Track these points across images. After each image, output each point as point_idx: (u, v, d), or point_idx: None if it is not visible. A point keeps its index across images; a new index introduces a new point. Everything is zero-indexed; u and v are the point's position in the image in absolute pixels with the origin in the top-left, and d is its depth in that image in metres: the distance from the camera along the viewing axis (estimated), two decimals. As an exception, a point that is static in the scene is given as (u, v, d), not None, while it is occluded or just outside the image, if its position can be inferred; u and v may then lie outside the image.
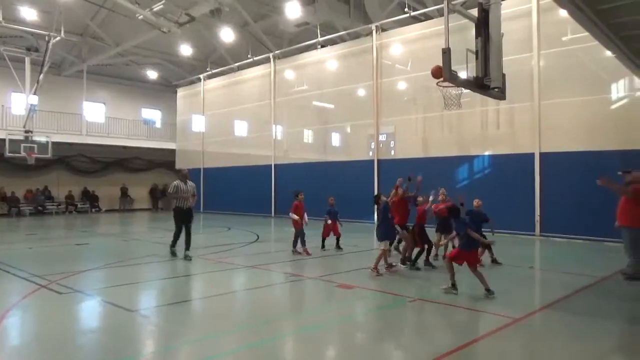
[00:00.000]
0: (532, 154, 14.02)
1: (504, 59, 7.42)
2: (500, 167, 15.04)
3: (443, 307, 6.14)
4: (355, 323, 5.84)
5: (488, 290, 6.58)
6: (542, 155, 13.86)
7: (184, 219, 10.09)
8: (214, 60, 26.97)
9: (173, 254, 10.11)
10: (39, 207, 25.55)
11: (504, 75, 7.41)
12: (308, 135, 22.71)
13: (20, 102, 24.42)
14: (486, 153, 15.56)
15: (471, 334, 5.22)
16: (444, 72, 6.80)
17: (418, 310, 6.14)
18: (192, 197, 10.24)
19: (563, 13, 10.90)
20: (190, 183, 10.26)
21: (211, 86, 26.78)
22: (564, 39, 13.53)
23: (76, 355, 4.64)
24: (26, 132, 22.80)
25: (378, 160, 18.28)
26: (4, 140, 22.04)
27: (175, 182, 10.19)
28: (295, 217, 10.25)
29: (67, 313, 6.12)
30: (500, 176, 14.88)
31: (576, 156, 13.24)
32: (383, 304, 6.65)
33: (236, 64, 24.60)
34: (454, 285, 6.84)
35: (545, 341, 5.01)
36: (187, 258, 9.81)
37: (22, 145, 22.50)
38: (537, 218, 13.83)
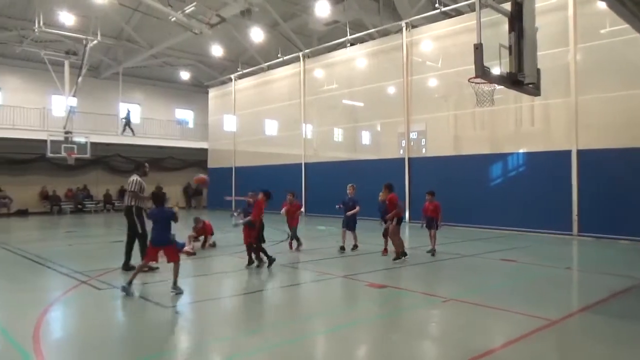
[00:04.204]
0: (569, 151, 13.60)
1: (538, 53, 7.25)
2: (535, 165, 14.66)
3: (478, 308, 6.04)
4: (388, 322, 5.81)
5: (175, 286, 6.62)
6: (580, 153, 13.43)
7: (144, 224, 8.32)
8: (245, 61, 27.29)
9: (133, 268, 7.91)
10: (79, 205, 26.49)
11: (538, 71, 7.24)
12: (338, 134, 22.71)
13: (60, 104, 25.37)
14: (520, 151, 15.19)
15: (507, 335, 5.11)
16: (476, 69, 6.69)
17: (452, 311, 6.05)
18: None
19: (601, 5, 10.53)
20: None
21: (242, 86, 27.11)
22: (602, 31, 13.06)
23: (113, 349, 4.80)
24: (66, 133, 23.71)
25: (409, 159, 18.12)
26: (45, 141, 22.95)
27: (136, 178, 8.46)
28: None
29: (105, 308, 6.33)
30: (536, 174, 14.50)
31: (616, 153, 12.77)
32: (415, 303, 6.59)
33: (266, 64, 24.82)
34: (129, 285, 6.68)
35: (584, 345, 4.87)
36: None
37: (63, 145, 23.42)
38: (575, 217, 13.41)
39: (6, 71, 25.65)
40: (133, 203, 8.37)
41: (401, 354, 4.59)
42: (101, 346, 4.82)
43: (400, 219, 9.43)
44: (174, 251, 6.70)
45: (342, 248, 10.49)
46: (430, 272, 8.75)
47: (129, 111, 27.99)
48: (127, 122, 27.63)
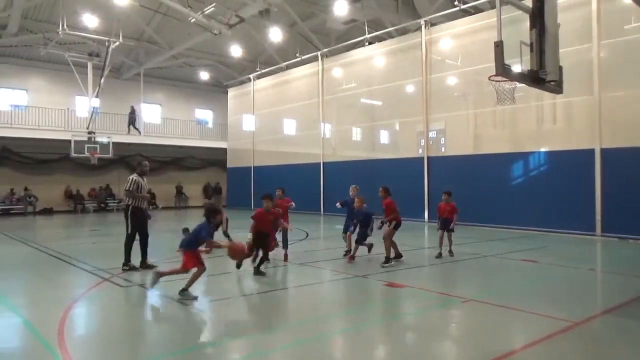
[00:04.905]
0: (592, 150, 13.33)
1: (560, 50, 7.12)
2: (557, 164, 14.41)
3: (498, 309, 5.97)
4: (406, 323, 5.80)
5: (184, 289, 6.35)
6: (604, 151, 13.15)
7: (143, 223, 8.56)
8: (263, 60, 27.46)
9: (134, 268, 8.34)
10: (102, 204, 27.02)
11: (560, 68, 7.11)
12: (356, 133, 22.68)
13: (84, 105, 25.90)
14: (542, 149, 14.94)
15: (527, 337, 5.05)
16: (496, 66, 6.61)
17: (472, 311, 6.00)
18: (148, 197, 8.77)
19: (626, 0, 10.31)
20: (145, 179, 8.66)
21: (261, 86, 27.27)
22: (626, 27, 12.76)
23: (134, 345, 4.90)
24: (89, 133, 24.20)
25: (428, 158, 17.99)
26: (69, 141, 23.48)
27: (133, 177, 8.47)
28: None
29: (127, 305, 6.46)
30: (558, 173, 14.25)
31: (641, 152, 12.48)
32: (434, 303, 6.55)
33: (285, 64, 24.91)
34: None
35: (608, 347, 4.77)
36: (152, 267, 8.32)
37: (86, 145, 23.93)
38: (598, 218, 13.14)
39: (32, 73, 26.31)
40: (130, 202, 8.41)
41: (420, 355, 4.58)
42: (123, 342, 4.93)
43: (399, 224, 9.08)
44: (191, 257, 6.48)
45: (349, 252, 9.66)
46: (449, 273, 8.68)
47: (133, 109, 27.46)
48: (132, 121, 27.31)
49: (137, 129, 27.50)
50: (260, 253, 8.25)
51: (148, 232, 8.71)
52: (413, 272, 8.43)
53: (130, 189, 8.36)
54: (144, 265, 8.53)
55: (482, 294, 6.79)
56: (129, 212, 8.43)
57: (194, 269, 6.45)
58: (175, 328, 5.44)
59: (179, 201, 30.24)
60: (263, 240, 8.13)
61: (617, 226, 12.72)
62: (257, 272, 8.02)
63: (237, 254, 6.94)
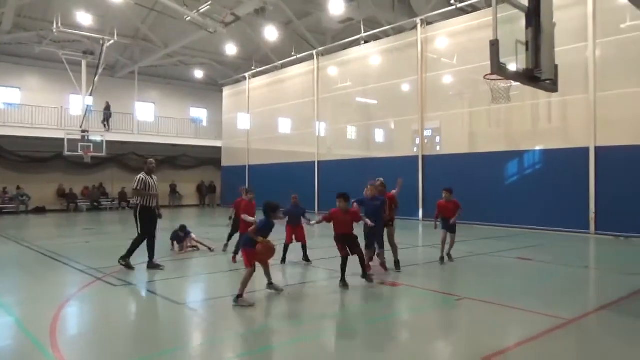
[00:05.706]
0: (587, 149, 13.39)
1: (556, 49, 7.12)
2: (552, 162, 14.46)
3: (493, 307, 5.96)
4: (400, 321, 5.78)
5: (270, 283, 6.65)
6: (598, 150, 13.21)
7: (152, 222, 8.44)
8: (259, 59, 27.38)
9: (129, 266, 8.18)
10: (95, 203, 26.85)
11: (556, 67, 7.11)
12: (352, 132, 22.65)
13: (78, 103, 25.73)
14: (537, 148, 14.99)
15: (522, 334, 5.04)
16: (492, 65, 6.60)
17: (466, 310, 5.99)
18: (157, 195, 8.56)
19: (621, -1, 10.34)
20: (155, 177, 8.59)
21: (256, 84, 27.20)
22: (622, 26, 12.83)
23: (128, 344, 4.85)
24: (83, 131, 24.05)
25: (423, 156, 18.01)
26: (62, 139, 23.32)
27: (140, 176, 8.40)
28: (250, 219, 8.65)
29: (120, 305, 6.40)
30: (552, 172, 14.31)
31: (635, 150, 12.53)
32: (429, 302, 6.54)
33: (280, 62, 24.86)
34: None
35: (602, 344, 4.78)
36: (159, 267, 8.31)
37: (80, 144, 23.80)
38: (592, 215, 13.20)
39: (25, 71, 26.09)
40: (138, 202, 8.41)
41: (414, 353, 4.56)
42: (116, 341, 4.88)
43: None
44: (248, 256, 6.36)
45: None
46: (444, 271, 8.67)
47: (108, 105, 26.48)
48: (107, 117, 26.30)
49: (108, 125, 26.30)
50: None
51: (155, 233, 8.58)
52: (408, 271, 8.40)
53: (138, 187, 8.30)
54: (151, 265, 8.39)
55: (477, 292, 6.78)
56: (138, 212, 8.37)
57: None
58: (166, 328, 5.39)
59: (172, 200, 30.09)
60: (352, 242, 7.23)
61: (611, 224, 12.79)
62: (366, 278, 7.32)
63: (264, 256, 6.46)
